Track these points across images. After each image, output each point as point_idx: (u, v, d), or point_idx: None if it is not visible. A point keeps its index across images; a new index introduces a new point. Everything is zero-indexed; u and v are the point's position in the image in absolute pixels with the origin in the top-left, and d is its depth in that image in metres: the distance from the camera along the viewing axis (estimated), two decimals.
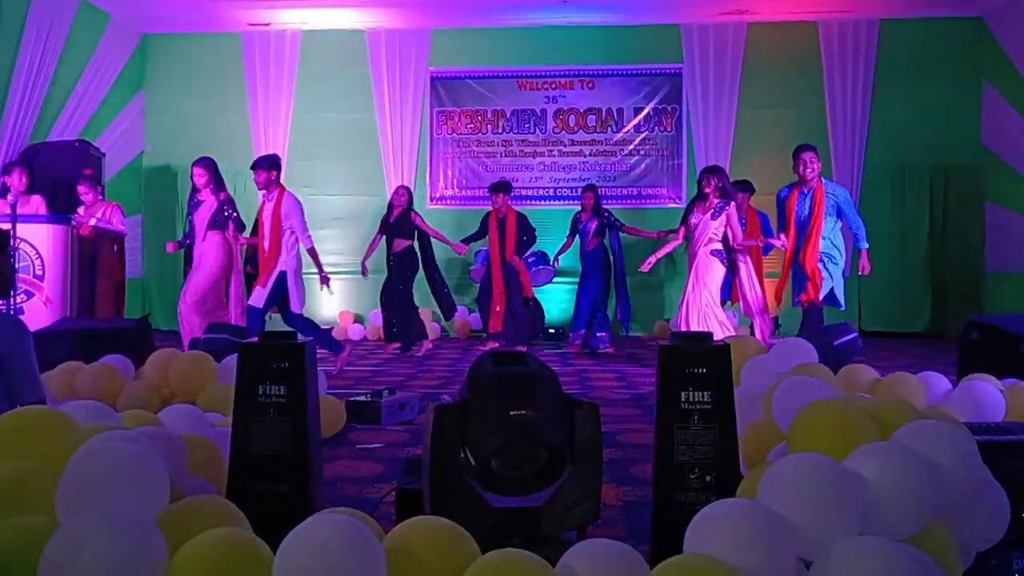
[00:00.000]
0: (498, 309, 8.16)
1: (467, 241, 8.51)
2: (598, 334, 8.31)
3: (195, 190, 6.90)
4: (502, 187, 8.25)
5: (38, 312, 6.74)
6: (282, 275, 6.49)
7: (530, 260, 9.76)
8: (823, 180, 6.22)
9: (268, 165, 6.60)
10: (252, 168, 6.64)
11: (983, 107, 10.09)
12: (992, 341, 4.17)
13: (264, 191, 6.65)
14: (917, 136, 10.14)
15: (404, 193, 8.14)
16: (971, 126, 10.14)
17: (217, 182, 6.88)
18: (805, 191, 6.18)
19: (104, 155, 9.04)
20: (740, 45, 10.40)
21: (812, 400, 2.11)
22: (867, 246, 6.26)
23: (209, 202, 6.81)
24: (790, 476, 1.69)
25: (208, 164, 6.84)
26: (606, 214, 8.34)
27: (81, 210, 7.51)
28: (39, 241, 6.93)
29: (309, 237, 6.62)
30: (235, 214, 6.91)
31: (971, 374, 3.72)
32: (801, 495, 1.64)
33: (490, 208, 8.47)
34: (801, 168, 6.13)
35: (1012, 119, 9.43)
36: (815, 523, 1.61)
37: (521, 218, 8.32)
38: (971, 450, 1.84)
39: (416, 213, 8.09)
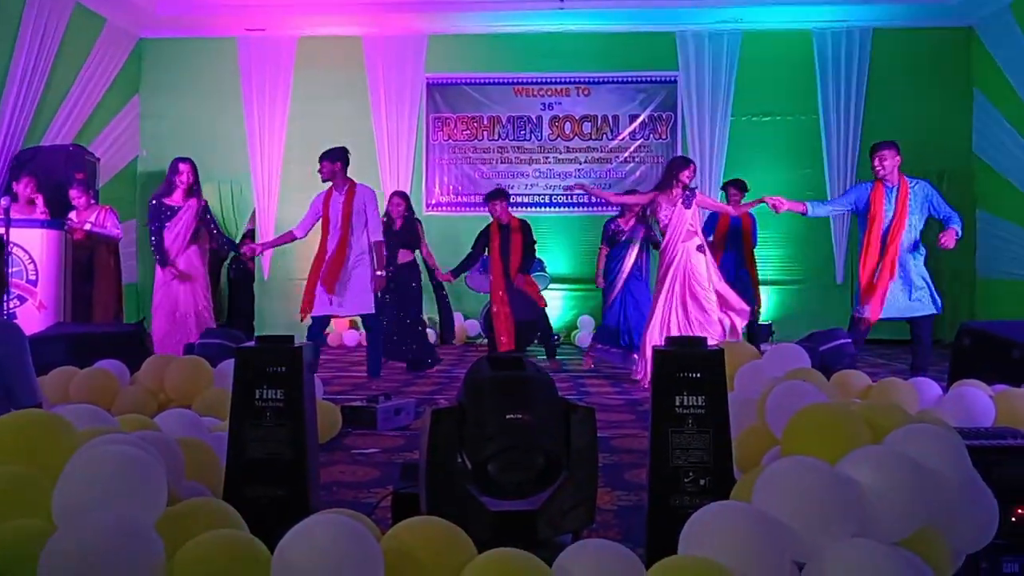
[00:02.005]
0: (504, 340, 7.28)
1: (458, 272, 7.72)
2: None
3: (169, 193, 6.57)
4: (502, 194, 7.58)
5: (31, 317, 6.72)
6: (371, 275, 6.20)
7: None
8: (905, 177, 5.90)
9: (332, 156, 6.22)
10: (320, 160, 6.28)
11: (974, 115, 10.16)
12: (983, 347, 4.21)
13: (330, 183, 6.25)
14: (909, 144, 10.07)
15: (402, 200, 7.55)
16: (962, 134, 10.21)
17: (199, 185, 6.72)
18: (889, 187, 5.85)
19: (99, 160, 9.04)
20: (735, 53, 10.46)
21: (805, 405, 2.12)
22: (959, 231, 5.75)
23: (192, 208, 6.59)
24: (784, 479, 1.71)
25: (195, 164, 6.65)
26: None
27: (73, 215, 7.48)
28: (32, 246, 6.92)
29: (379, 230, 6.28)
30: (213, 219, 6.89)
31: (962, 380, 3.75)
32: (795, 498, 1.66)
33: (486, 222, 7.67)
34: (876, 163, 5.85)
35: (1002, 127, 9.50)
36: (808, 526, 1.63)
37: (526, 227, 7.52)
38: (961, 454, 1.86)
39: (419, 222, 7.65)
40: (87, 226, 7.39)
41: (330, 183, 6.24)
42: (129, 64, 10.64)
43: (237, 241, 11.16)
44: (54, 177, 8.03)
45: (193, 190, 6.63)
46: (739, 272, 7.83)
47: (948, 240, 5.68)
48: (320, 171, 6.25)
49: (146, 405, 3.92)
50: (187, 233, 6.59)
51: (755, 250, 8.16)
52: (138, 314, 9.93)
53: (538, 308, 7.52)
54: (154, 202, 6.60)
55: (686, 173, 6.25)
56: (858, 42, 10.31)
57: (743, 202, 7.67)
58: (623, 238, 7.66)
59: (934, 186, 6.08)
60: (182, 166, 6.60)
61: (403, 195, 7.72)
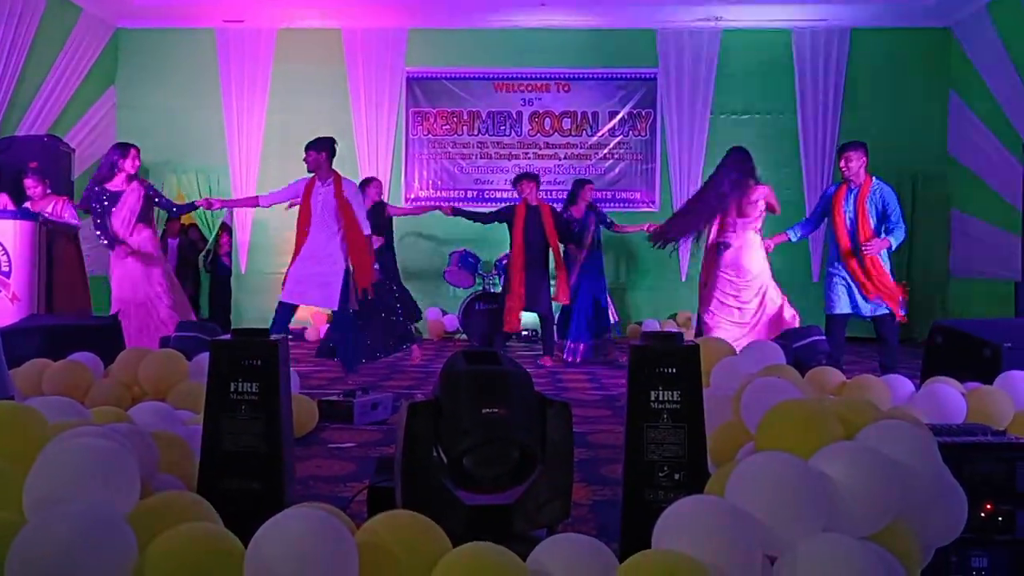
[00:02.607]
0: (509, 320, 7.38)
1: (459, 212, 7.87)
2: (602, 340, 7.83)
3: (108, 179, 6.53)
4: (531, 176, 7.62)
5: (4, 309, 6.63)
6: (347, 271, 6.16)
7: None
8: (872, 178, 5.99)
9: (318, 146, 6.18)
10: (305, 150, 6.26)
11: (950, 116, 10.26)
12: (955, 345, 4.26)
13: (314, 174, 6.19)
14: (885, 144, 10.24)
15: (378, 184, 7.60)
16: (938, 135, 10.32)
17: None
18: (852, 187, 5.97)
19: (74, 151, 8.93)
20: (714, 51, 10.50)
21: (779, 401, 2.14)
22: (893, 245, 5.85)
23: (134, 191, 6.55)
24: (756, 474, 1.72)
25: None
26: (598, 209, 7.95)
27: (28, 205, 7.31)
28: (6, 238, 6.82)
29: (367, 224, 6.26)
30: (164, 199, 6.83)
31: (934, 377, 3.80)
32: (767, 492, 1.67)
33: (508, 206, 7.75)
34: (842, 164, 5.98)
35: (977, 128, 9.61)
36: (780, 520, 1.64)
37: (556, 212, 7.57)
38: (932, 450, 1.89)
39: (388, 203, 7.71)
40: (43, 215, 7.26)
41: (313, 173, 6.21)
42: (105, 54, 10.52)
43: (212, 236, 11.10)
44: (29, 167, 7.90)
45: (136, 175, 6.66)
46: None
47: (872, 247, 5.73)
48: (305, 160, 6.23)
49: (120, 398, 3.89)
50: (132, 217, 6.57)
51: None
52: (111, 306, 9.82)
53: (545, 305, 7.56)
54: (96, 188, 6.56)
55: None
56: (836, 41, 10.39)
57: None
58: (576, 228, 7.72)
59: (895, 192, 6.12)
60: (134, 151, 6.60)
61: (378, 180, 7.84)
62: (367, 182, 7.75)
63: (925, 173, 10.26)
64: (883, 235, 5.85)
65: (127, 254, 6.55)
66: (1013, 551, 2.05)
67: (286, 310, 6.23)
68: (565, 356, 7.72)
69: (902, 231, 5.86)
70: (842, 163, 5.99)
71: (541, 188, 10.54)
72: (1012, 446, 2.13)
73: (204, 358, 3.73)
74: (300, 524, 1.53)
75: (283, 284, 6.28)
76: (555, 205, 7.95)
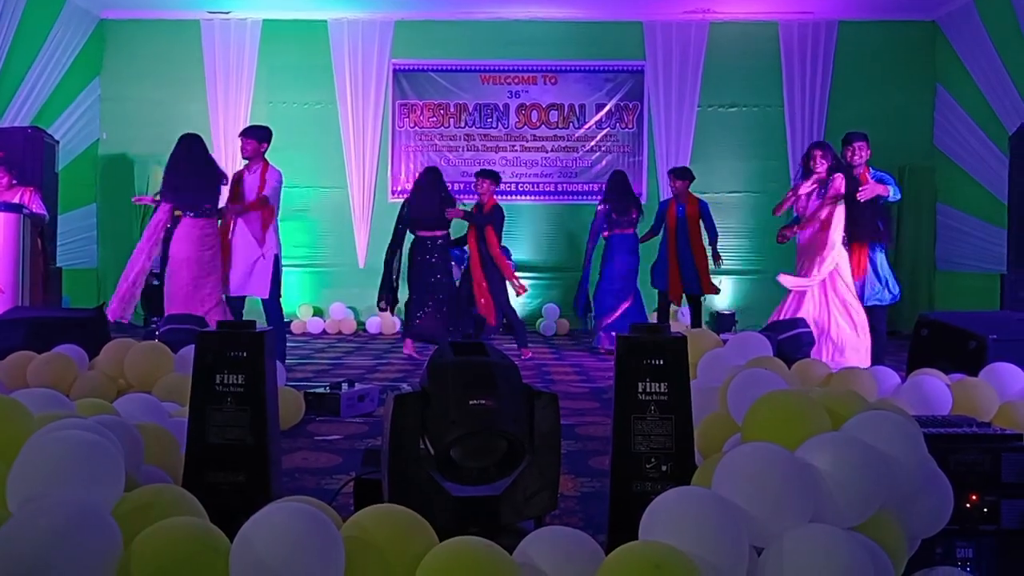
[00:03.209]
0: (483, 302, 7.33)
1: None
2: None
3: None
4: (487, 174, 7.59)
5: None
6: (277, 257, 6.12)
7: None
8: (871, 168, 6.06)
9: (260, 136, 6.14)
10: (242, 135, 6.26)
11: (936, 110, 10.31)
12: (941, 337, 4.28)
13: (248, 162, 6.18)
14: (872, 137, 10.22)
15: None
16: (924, 128, 10.36)
17: None
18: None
19: (58, 142, 8.85)
20: (702, 43, 10.51)
21: (765, 392, 2.14)
22: (890, 194, 5.90)
23: None
24: (743, 465, 1.72)
25: None
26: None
27: None
28: None
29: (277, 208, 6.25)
30: None
31: (920, 369, 3.82)
32: (753, 483, 1.67)
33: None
34: (849, 154, 6.00)
35: (963, 122, 9.66)
36: (767, 511, 1.65)
37: (496, 208, 7.51)
38: (918, 441, 1.89)
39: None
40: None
41: (248, 161, 6.18)
42: (90, 45, 10.43)
43: None
44: (12, 159, 7.80)
45: None
46: (683, 257, 7.90)
47: (866, 191, 5.74)
48: (244, 148, 6.17)
49: (105, 391, 3.87)
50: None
51: (703, 237, 8.03)
52: (97, 299, 9.76)
53: (504, 305, 7.51)
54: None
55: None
56: (824, 34, 10.41)
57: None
58: (617, 216, 7.95)
59: (891, 176, 6.20)
60: None
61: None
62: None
63: (912, 166, 10.30)
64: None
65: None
66: (998, 541, 2.06)
67: (238, 303, 6.20)
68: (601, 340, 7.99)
69: (896, 192, 5.98)
70: (857, 153, 6.03)
71: (528, 181, 10.62)
72: (997, 437, 2.14)
73: (190, 350, 3.71)
74: (286, 518, 1.52)
75: (226, 279, 6.17)
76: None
